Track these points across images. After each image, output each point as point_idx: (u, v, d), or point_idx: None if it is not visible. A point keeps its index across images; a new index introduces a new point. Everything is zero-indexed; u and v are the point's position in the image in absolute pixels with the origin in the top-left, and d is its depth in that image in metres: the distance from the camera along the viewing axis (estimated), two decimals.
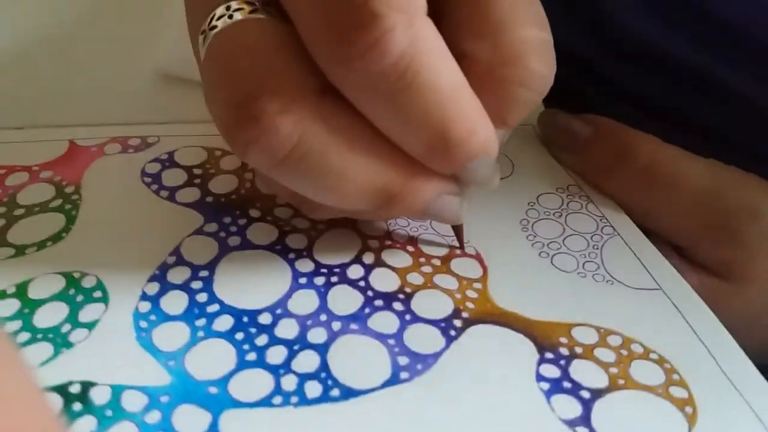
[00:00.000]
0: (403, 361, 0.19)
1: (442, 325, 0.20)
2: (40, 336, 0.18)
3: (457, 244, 0.23)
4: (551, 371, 0.19)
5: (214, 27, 0.18)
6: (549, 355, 0.19)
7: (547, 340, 0.20)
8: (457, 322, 0.20)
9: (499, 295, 0.21)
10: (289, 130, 0.17)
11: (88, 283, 0.20)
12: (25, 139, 0.26)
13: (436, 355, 0.19)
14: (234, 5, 0.18)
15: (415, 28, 0.16)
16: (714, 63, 0.27)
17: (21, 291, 0.19)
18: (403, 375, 0.18)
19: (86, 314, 0.19)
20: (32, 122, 0.26)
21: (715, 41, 0.26)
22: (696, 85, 0.27)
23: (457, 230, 0.23)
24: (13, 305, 0.19)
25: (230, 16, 0.18)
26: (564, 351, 0.20)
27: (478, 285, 0.22)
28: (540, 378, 0.19)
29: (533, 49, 0.18)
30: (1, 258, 0.21)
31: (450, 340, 0.20)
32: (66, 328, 0.18)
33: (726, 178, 0.25)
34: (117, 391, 0.17)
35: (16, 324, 0.18)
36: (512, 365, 0.19)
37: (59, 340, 0.18)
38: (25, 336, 0.18)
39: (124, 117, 0.27)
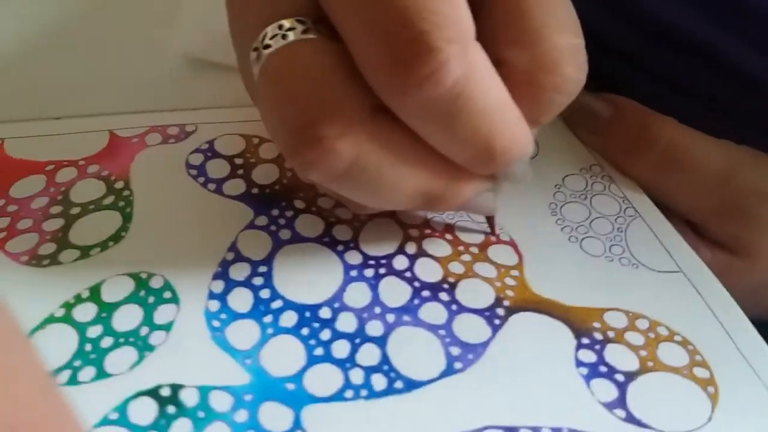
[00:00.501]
0: (455, 351, 0.21)
1: (486, 314, 0.22)
2: (122, 340, 0.20)
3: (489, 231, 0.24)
4: (588, 356, 0.21)
5: (268, 46, 0.19)
6: (585, 341, 0.21)
7: (582, 325, 0.22)
8: (500, 311, 0.22)
9: (535, 282, 0.23)
10: (347, 152, 0.18)
11: (156, 283, 0.21)
12: (65, 131, 0.26)
13: (485, 345, 0.21)
14: (286, 24, 0.19)
15: (469, 57, 0.17)
16: (726, 39, 0.28)
17: (95, 294, 0.21)
18: (457, 365, 0.20)
19: (161, 316, 0.20)
20: (66, 112, 0.27)
21: (728, 18, 0.27)
22: (711, 62, 0.28)
23: (490, 219, 0.24)
24: (90, 309, 0.20)
25: (283, 36, 0.19)
26: (598, 336, 0.21)
27: (515, 272, 0.23)
28: (579, 363, 0.21)
29: (568, 57, 0.19)
30: (69, 261, 0.22)
31: (495, 329, 0.21)
32: (144, 330, 0.20)
33: (739, 160, 0.26)
34: (204, 392, 0.19)
35: (98, 329, 0.20)
36: (553, 352, 0.21)
37: (140, 344, 0.20)
38: (108, 341, 0.19)
39: (153, 103, 0.27)
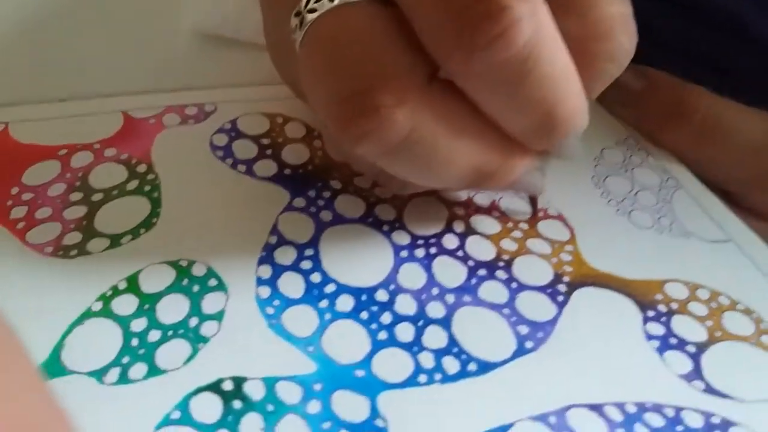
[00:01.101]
0: (523, 330, 0.20)
1: (549, 291, 0.21)
2: (170, 333, 0.18)
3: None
4: (657, 329, 0.20)
5: (313, 10, 0.17)
6: (651, 313, 0.21)
7: (644, 298, 0.21)
8: (561, 287, 0.21)
9: (591, 257, 0.22)
10: (405, 121, 0.16)
11: (198, 271, 0.20)
12: (73, 113, 0.24)
13: (552, 322, 0.20)
14: None
15: (538, 16, 0.16)
16: (752, 11, 0.28)
17: (133, 285, 0.19)
18: (528, 344, 0.19)
19: (209, 305, 0.19)
20: (71, 93, 0.25)
21: None
22: (739, 35, 0.28)
23: (533, 199, 0.23)
24: (131, 302, 0.18)
25: None
26: (662, 308, 0.21)
27: (569, 247, 0.22)
28: (649, 337, 0.20)
29: (620, 25, 0.19)
30: (99, 250, 0.20)
31: (560, 306, 0.20)
32: (193, 321, 0.18)
33: None
34: (270, 383, 0.17)
35: (142, 322, 0.18)
36: (621, 326, 0.20)
37: (192, 336, 0.18)
38: (156, 335, 0.18)
39: (165, 82, 0.26)
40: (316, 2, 0.17)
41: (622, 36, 0.19)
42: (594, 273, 0.22)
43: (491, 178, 0.19)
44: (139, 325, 0.18)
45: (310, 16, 0.17)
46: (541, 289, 0.21)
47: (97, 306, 0.18)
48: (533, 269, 0.21)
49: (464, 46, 0.16)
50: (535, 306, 0.20)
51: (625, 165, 0.26)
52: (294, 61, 0.23)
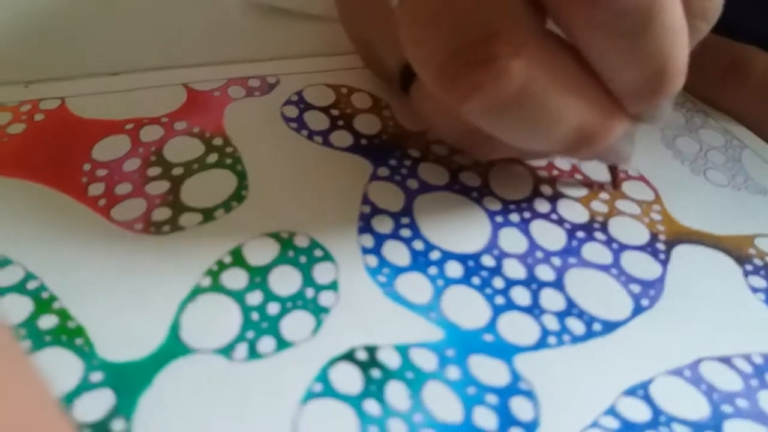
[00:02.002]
0: (635, 289, 0.19)
1: (649, 249, 0.21)
2: (290, 305, 0.17)
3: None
4: (759, 282, 0.20)
5: None
6: (749, 267, 0.21)
7: (739, 252, 0.21)
8: (660, 246, 0.21)
9: (680, 215, 0.22)
10: (521, 73, 0.16)
11: (301, 242, 0.19)
12: (132, 87, 0.23)
13: (660, 280, 0.20)
14: None
15: None
16: None
17: (238, 259, 0.18)
18: (644, 302, 0.19)
19: (321, 275, 0.18)
20: (124, 67, 0.23)
21: None
22: None
23: (614, 171, 0.23)
24: (240, 275, 0.17)
25: None
26: (758, 261, 0.21)
27: (657, 207, 0.22)
28: (754, 290, 0.20)
29: None
30: (193, 225, 0.19)
31: (662, 264, 0.20)
32: (310, 292, 0.17)
33: None
34: (403, 351, 0.16)
35: (257, 295, 0.17)
36: (725, 281, 0.20)
37: (312, 306, 0.17)
38: (275, 307, 0.17)
39: (221, 54, 0.24)
40: None
41: None
42: (686, 231, 0.21)
43: (591, 140, 0.18)
44: (255, 298, 0.17)
45: None
46: (641, 248, 0.21)
47: (206, 281, 0.17)
48: (629, 229, 0.21)
49: None
50: (640, 265, 0.20)
51: (689, 126, 0.26)
52: (371, 23, 0.22)
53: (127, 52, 0.23)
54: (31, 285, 0.16)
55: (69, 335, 0.15)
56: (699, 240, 0.21)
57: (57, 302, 0.16)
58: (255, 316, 0.17)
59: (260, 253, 0.18)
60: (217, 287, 0.17)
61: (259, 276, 0.17)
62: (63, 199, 0.19)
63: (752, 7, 0.27)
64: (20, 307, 0.16)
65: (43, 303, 0.16)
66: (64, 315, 0.16)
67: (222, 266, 0.18)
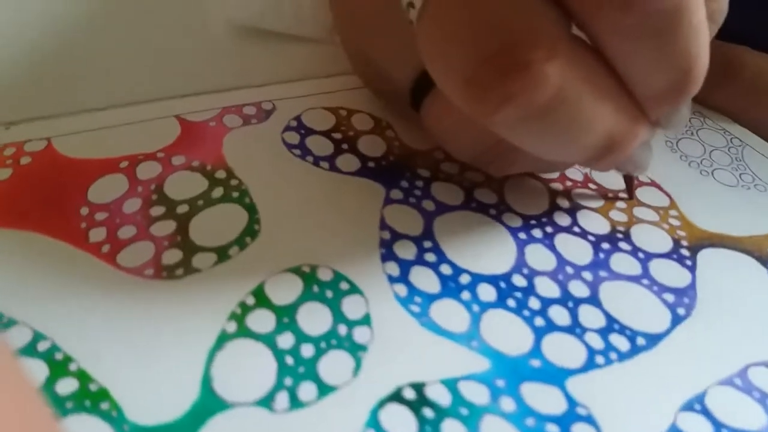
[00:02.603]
0: (669, 298, 0.19)
1: (675, 256, 0.20)
2: (324, 345, 0.16)
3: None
4: None
5: None
6: None
7: (760, 252, 0.21)
8: (685, 252, 0.20)
9: (697, 219, 0.22)
10: (556, 78, 0.15)
11: (325, 275, 0.18)
12: (121, 122, 0.21)
13: (692, 287, 0.19)
14: None
15: None
16: None
17: (262, 299, 0.17)
18: (680, 311, 0.18)
19: (351, 310, 0.17)
20: (111, 101, 0.22)
21: None
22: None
23: (629, 181, 0.22)
24: (267, 317, 0.16)
25: None
26: None
27: (674, 212, 0.22)
28: None
29: None
30: (208, 266, 0.17)
31: (690, 270, 0.20)
32: (343, 330, 0.16)
33: None
34: (451, 386, 0.15)
35: (288, 337, 0.16)
36: (752, 282, 0.20)
37: (348, 345, 0.16)
38: (309, 349, 0.16)
39: (211, 82, 0.23)
40: None
41: None
42: (707, 234, 0.21)
43: (618, 147, 0.17)
44: (286, 341, 0.16)
45: None
46: (666, 255, 0.20)
47: (232, 326, 0.16)
48: (651, 237, 0.21)
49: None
50: (670, 273, 0.20)
51: (690, 128, 0.26)
52: (376, 41, 0.21)
53: (114, 85, 0.22)
54: (42, 346, 0.15)
55: (93, 399, 0.14)
56: (721, 243, 0.21)
57: (73, 363, 0.15)
58: (290, 360, 0.15)
59: (284, 290, 0.17)
60: (244, 332, 0.16)
61: (286, 316, 0.16)
62: (62, 247, 0.17)
63: (739, 8, 0.28)
64: (34, 371, 0.14)
65: (59, 365, 0.14)
66: (83, 377, 0.14)
67: (246, 308, 0.16)
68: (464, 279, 0.18)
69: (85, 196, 0.19)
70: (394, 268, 0.18)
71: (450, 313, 0.17)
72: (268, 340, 0.16)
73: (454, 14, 0.16)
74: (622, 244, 0.20)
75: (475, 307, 0.17)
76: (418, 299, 0.17)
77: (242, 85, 0.24)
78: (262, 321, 0.16)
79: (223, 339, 0.16)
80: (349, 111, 0.24)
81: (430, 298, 0.17)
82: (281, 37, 0.25)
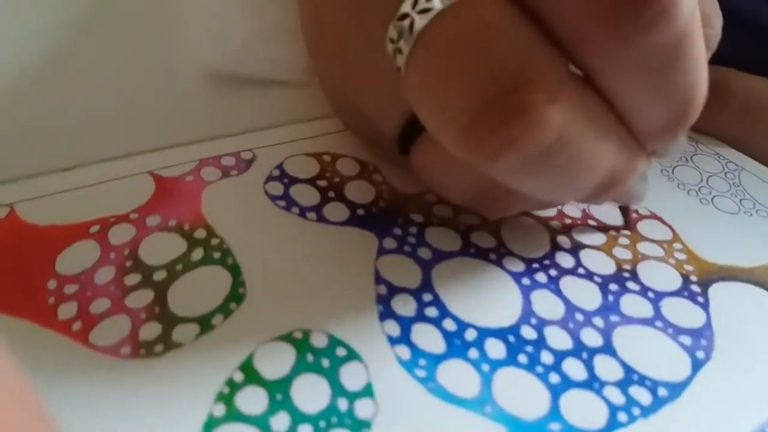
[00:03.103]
0: (686, 341, 0.18)
1: (685, 294, 0.19)
2: (323, 424, 0.14)
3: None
4: None
5: (426, 10, 0.15)
6: None
7: None
8: (695, 288, 0.19)
9: (703, 252, 0.21)
10: (559, 120, 0.14)
11: (319, 341, 0.16)
12: (88, 182, 0.20)
13: (708, 326, 0.18)
14: None
15: None
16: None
17: (251, 375, 0.15)
18: (700, 354, 0.17)
19: (350, 380, 0.15)
20: (77, 161, 0.20)
21: None
22: (746, 26, 0.28)
23: (626, 212, 0.22)
24: (258, 395, 0.15)
25: None
26: None
27: (678, 245, 0.21)
28: None
29: (715, 10, 0.18)
30: (190, 339, 0.16)
31: (704, 307, 0.19)
32: (343, 404, 0.15)
33: None
34: None
35: (283, 418, 0.14)
36: (764, 316, 0.19)
37: (350, 422, 0.14)
38: (307, 430, 0.14)
39: (184, 133, 0.22)
40: (427, 1, 0.15)
41: (716, 19, 0.18)
42: (715, 267, 0.20)
43: (617, 183, 0.17)
44: (281, 422, 0.14)
45: (423, 16, 0.15)
46: (677, 294, 0.19)
47: (220, 409, 0.14)
48: (659, 274, 0.20)
49: (621, 33, 0.14)
50: (683, 312, 0.19)
51: (683, 155, 0.25)
52: (358, 89, 0.20)
53: (80, 142, 0.21)
54: None
55: None
56: (731, 276, 0.20)
57: None
58: None
59: (275, 362, 0.15)
60: (233, 415, 0.14)
61: (279, 392, 0.15)
62: (27, 327, 0.16)
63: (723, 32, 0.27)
64: None
65: None
66: None
67: (234, 386, 0.15)
68: (470, 335, 0.17)
69: (53, 267, 0.17)
70: (393, 328, 0.17)
71: (459, 375, 0.16)
72: (261, 422, 0.14)
73: (446, 59, 0.14)
74: (630, 284, 0.19)
75: (485, 367, 0.16)
76: (422, 362, 0.16)
77: (219, 135, 0.22)
78: (252, 400, 0.15)
79: (210, 425, 0.14)
80: (333, 156, 0.22)
81: (436, 360, 0.16)
82: (257, 82, 0.23)
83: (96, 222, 0.19)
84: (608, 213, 0.22)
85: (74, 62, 0.21)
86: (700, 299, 0.19)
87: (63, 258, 0.17)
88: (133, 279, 0.17)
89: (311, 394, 0.15)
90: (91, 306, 0.16)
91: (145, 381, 0.15)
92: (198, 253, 0.18)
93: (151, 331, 0.16)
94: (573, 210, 0.22)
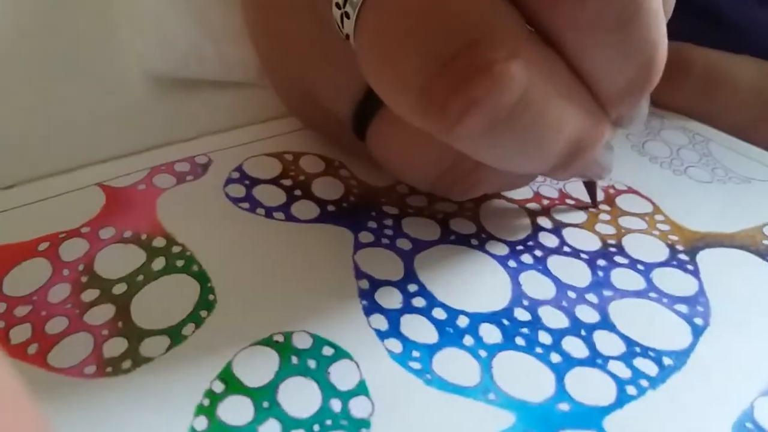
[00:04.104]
0: (682, 308, 0.17)
1: (674, 263, 0.19)
2: (317, 428, 0.13)
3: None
4: None
5: None
6: None
7: (756, 246, 0.20)
8: (683, 256, 0.19)
9: (685, 221, 0.20)
10: (521, 78, 0.13)
11: (302, 342, 0.15)
12: (32, 199, 0.18)
13: (701, 293, 0.18)
14: None
15: None
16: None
17: (233, 383, 0.14)
18: (698, 321, 0.17)
19: (341, 379, 0.14)
20: (19, 177, 0.19)
21: None
22: (714, 21, 0.28)
23: (592, 186, 0.21)
24: (242, 404, 0.13)
25: None
26: None
27: (660, 217, 0.21)
28: None
29: None
30: (160, 353, 0.14)
31: (694, 275, 0.18)
32: (336, 405, 0.14)
33: (765, 68, 0.26)
34: None
35: (273, 425, 0.13)
36: (759, 277, 0.18)
37: (346, 423, 0.13)
38: None
39: (135, 141, 0.21)
40: None
41: None
42: (699, 235, 0.20)
43: (583, 150, 0.16)
44: (270, 430, 0.13)
45: None
46: (666, 263, 0.19)
47: (201, 423, 0.13)
48: (645, 247, 0.19)
49: None
50: (674, 281, 0.18)
51: (650, 131, 0.25)
52: (308, 71, 0.19)
53: (19, 158, 0.19)
54: None
55: None
56: (716, 242, 0.20)
57: None
58: None
59: (257, 368, 0.14)
60: (218, 427, 0.13)
61: (265, 399, 0.13)
62: None
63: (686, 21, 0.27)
64: None
65: None
66: None
67: (215, 398, 0.13)
68: (462, 321, 0.16)
69: (0, 289, 0.15)
70: (381, 322, 0.16)
71: (456, 363, 0.15)
72: None
73: (397, 19, 0.14)
74: (618, 258, 0.19)
75: (482, 352, 0.15)
76: (416, 353, 0.15)
77: (171, 141, 0.21)
78: (237, 410, 0.13)
79: None
80: (295, 155, 0.21)
81: (430, 350, 0.15)
82: (208, 84, 0.22)
83: (44, 239, 0.17)
84: (585, 192, 0.21)
85: (10, 74, 0.20)
86: (690, 267, 0.18)
87: (10, 279, 0.16)
88: (90, 295, 0.16)
89: (300, 397, 0.14)
90: (47, 326, 0.15)
91: (116, 400, 0.13)
92: (159, 263, 0.17)
93: (116, 347, 0.14)
94: (550, 191, 0.21)
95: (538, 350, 0.15)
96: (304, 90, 0.20)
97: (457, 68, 0.13)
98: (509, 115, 0.13)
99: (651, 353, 0.16)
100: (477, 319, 0.16)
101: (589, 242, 0.19)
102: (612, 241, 0.19)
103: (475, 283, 0.17)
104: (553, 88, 0.14)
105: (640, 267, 0.18)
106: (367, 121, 0.18)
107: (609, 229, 0.20)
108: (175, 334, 0.15)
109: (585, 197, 0.21)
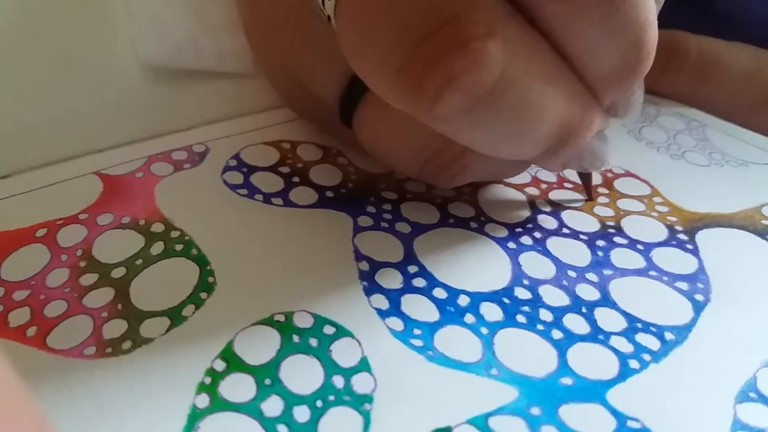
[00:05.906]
0: (683, 286, 0.17)
1: (673, 243, 0.19)
2: (320, 404, 0.13)
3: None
4: None
5: None
6: None
7: (755, 226, 0.20)
8: (682, 236, 0.19)
9: (683, 203, 0.20)
10: (499, 56, 0.13)
11: (303, 321, 0.15)
12: (29, 188, 0.18)
13: (702, 271, 0.18)
14: None
15: None
16: None
17: (234, 362, 0.14)
18: (699, 298, 0.17)
19: (343, 356, 0.14)
20: (16, 167, 0.19)
21: None
22: (706, 10, 0.28)
23: (587, 178, 0.21)
24: (244, 382, 0.13)
25: None
26: None
27: (658, 199, 0.21)
28: None
29: None
30: (160, 333, 0.14)
31: (694, 253, 0.18)
32: (339, 381, 0.13)
33: (758, 53, 0.26)
34: (481, 424, 0.13)
35: (275, 402, 0.13)
36: (758, 255, 0.18)
37: (349, 398, 0.13)
38: (304, 413, 0.13)
39: (133, 130, 0.21)
40: None
41: None
42: (698, 216, 0.20)
43: (573, 136, 0.15)
44: (273, 407, 0.13)
45: None
46: (665, 243, 0.19)
47: (203, 401, 0.13)
48: (645, 227, 0.19)
49: None
50: (674, 260, 0.18)
51: (647, 116, 0.25)
52: (296, 58, 0.19)
53: (18, 147, 0.19)
54: None
55: None
56: (714, 222, 0.20)
57: None
58: (283, 429, 0.12)
59: (258, 347, 0.14)
60: (219, 404, 0.13)
61: (267, 376, 0.13)
62: None
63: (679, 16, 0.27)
64: None
65: None
66: None
67: (216, 376, 0.13)
68: (463, 300, 0.16)
69: None
70: (381, 301, 0.16)
71: (458, 340, 0.15)
72: (251, 409, 0.13)
73: None
74: (618, 239, 0.19)
75: (484, 330, 0.15)
76: (417, 331, 0.15)
77: (168, 131, 0.21)
78: (239, 387, 0.13)
79: (195, 417, 0.12)
80: (292, 143, 0.21)
81: (431, 328, 0.15)
82: (205, 75, 0.22)
83: (42, 226, 0.17)
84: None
85: (8, 64, 0.20)
86: (689, 246, 0.18)
87: (8, 264, 0.16)
88: (89, 279, 0.16)
89: (303, 375, 0.14)
90: (45, 309, 0.15)
91: (116, 380, 0.13)
92: (158, 247, 0.17)
93: (115, 328, 0.14)
94: (548, 175, 0.21)
95: (540, 327, 0.15)
96: (293, 77, 0.20)
97: (434, 45, 0.13)
98: (489, 95, 0.13)
99: (652, 328, 0.16)
100: (477, 298, 0.16)
101: (588, 224, 0.19)
102: (611, 223, 0.19)
103: (474, 264, 0.17)
104: (536, 69, 0.14)
105: (639, 247, 0.18)
106: (354, 107, 0.18)
107: (608, 212, 0.20)
108: (175, 316, 0.15)
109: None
